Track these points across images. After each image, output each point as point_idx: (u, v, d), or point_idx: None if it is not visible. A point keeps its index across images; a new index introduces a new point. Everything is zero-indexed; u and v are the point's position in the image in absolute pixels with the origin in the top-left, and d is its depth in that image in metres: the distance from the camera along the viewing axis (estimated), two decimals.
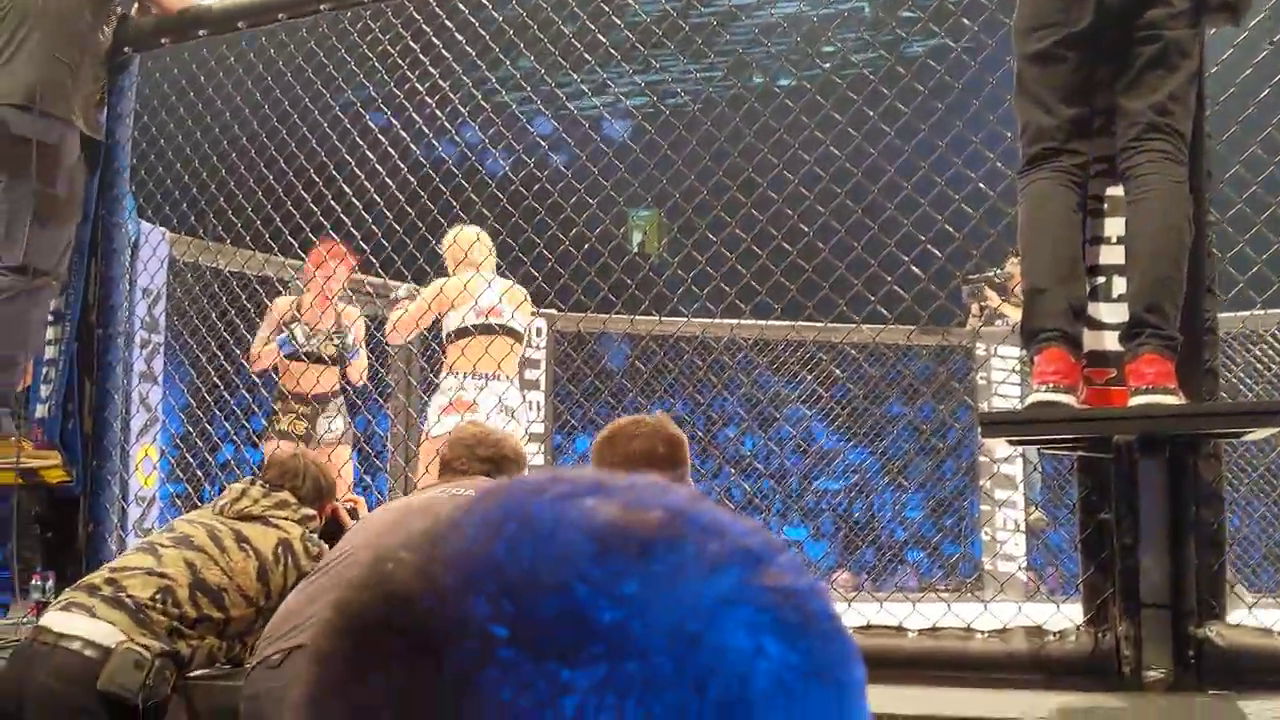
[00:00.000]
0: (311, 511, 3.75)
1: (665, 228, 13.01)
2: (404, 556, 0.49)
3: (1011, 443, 3.98)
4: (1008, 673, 3.20)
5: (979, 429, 3.19)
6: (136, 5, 4.58)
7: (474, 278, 5.33)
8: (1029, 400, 3.02)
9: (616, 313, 6.06)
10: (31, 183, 4.27)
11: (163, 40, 4.53)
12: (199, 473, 5.39)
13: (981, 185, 3.95)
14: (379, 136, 4.98)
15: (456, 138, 5.17)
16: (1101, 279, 3.18)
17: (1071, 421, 2.96)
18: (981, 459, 8.10)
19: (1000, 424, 3.10)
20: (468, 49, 4.70)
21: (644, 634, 0.45)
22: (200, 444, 5.50)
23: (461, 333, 5.55)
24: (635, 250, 16.01)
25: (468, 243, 5.52)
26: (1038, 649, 3.26)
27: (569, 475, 0.52)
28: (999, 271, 7.44)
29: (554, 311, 8.21)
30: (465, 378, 5.47)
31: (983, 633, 3.41)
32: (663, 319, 7.06)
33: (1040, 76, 3.19)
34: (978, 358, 8.25)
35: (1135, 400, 2.93)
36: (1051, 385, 2.97)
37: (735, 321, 7.49)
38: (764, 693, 0.46)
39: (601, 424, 9.63)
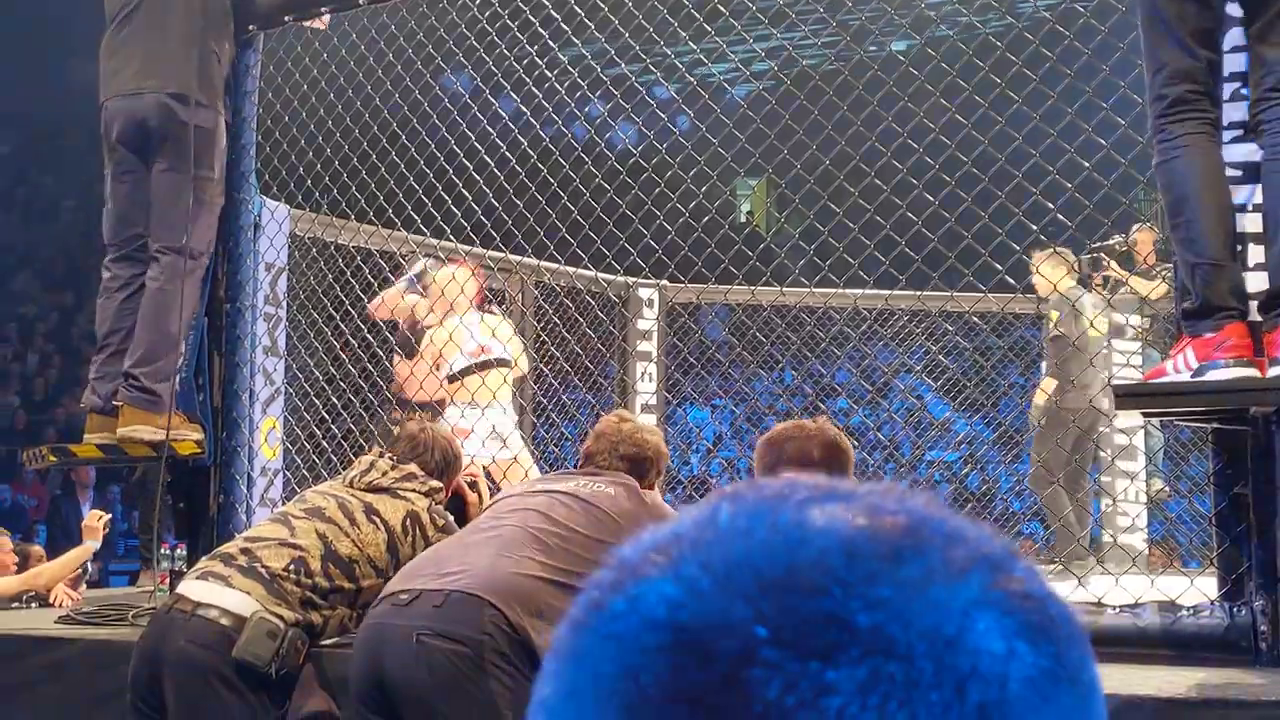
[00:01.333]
0: (438, 484, 3.80)
1: (779, 197, 12.94)
2: (654, 560, 0.51)
3: (1147, 415, 3.87)
4: (1139, 648, 3.14)
5: (1122, 400, 3.11)
6: None
7: (457, 327, 5.62)
8: (1216, 375, 2.90)
9: (734, 283, 6.06)
10: (190, 167, 4.38)
11: (286, 17, 4.59)
12: (325, 444, 5.48)
13: (1113, 153, 3.86)
14: (499, 111, 5.02)
15: (576, 112, 5.19)
16: (1238, 247, 3.08)
17: (1262, 391, 2.86)
18: (1102, 429, 7.94)
19: (1164, 395, 3.02)
20: (586, 21, 4.70)
21: (903, 637, 0.46)
22: (326, 415, 5.61)
23: (457, 376, 5.88)
24: (745, 220, 15.96)
25: (444, 284, 5.82)
26: (1170, 624, 3.21)
27: (806, 483, 0.53)
28: (1121, 239, 7.26)
29: (665, 282, 8.22)
30: (464, 407, 5.74)
31: (1114, 607, 3.36)
32: (784, 289, 7.02)
33: (1180, 14, 3.01)
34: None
35: (1274, 371, 2.85)
36: (1245, 360, 2.88)
37: (857, 292, 7.41)
38: (1019, 695, 0.47)
39: (716, 394, 9.55)
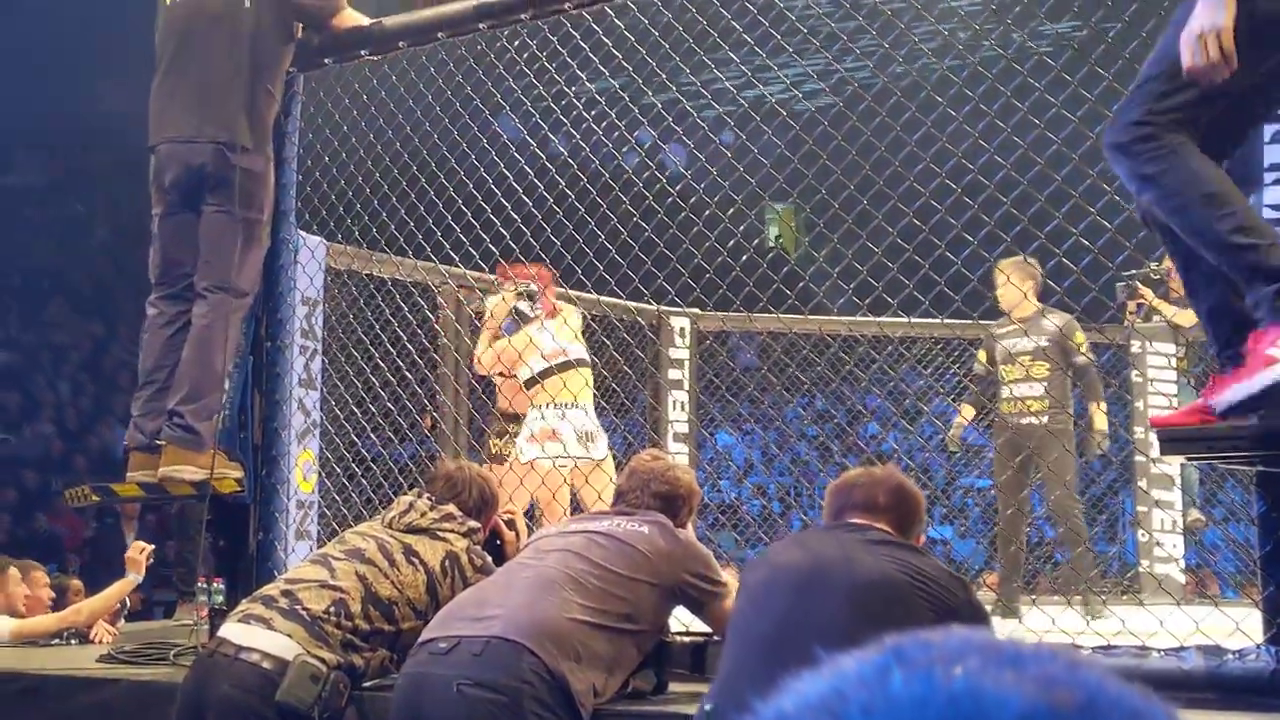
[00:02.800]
0: (476, 524, 3.80)
1: (804, 222, 12.92)
2: None
3: (1191, 459, 3.82)
4: (1184, 692, 3.12)
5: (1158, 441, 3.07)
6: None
7: (539, 332, 5.78)
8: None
9: (759, 310, 6.06)
10: (239, 209, 4.43)
11: (326, 60, 4.63)
12: (362, 478, 5.50)
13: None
14: (528, 141, 5.04)
15: (604, 140, 5.21)
16: None
17: None
18: (1138, 457, 7.90)
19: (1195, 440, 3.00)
20: (614, 52, 4.73)
21: None
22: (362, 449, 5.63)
23: (534, 380, 5.94)
24: (772, 245, 15.94)
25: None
26: (1215, 668, 3.18)
27: (975, 643, 0.52)
28: (1155, 267, 7.22)
29: (696, 310, 8.23)
30: (546, 408, 5.81)
31: (1159, 651, 3.34)
32: (808, 316, 7.03)
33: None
34: (1133, 355, 8.04)
35: None
36: None
37: (879, 319, 7.40)
38: None
39: (746, 420, 9.52)
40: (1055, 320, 6.77)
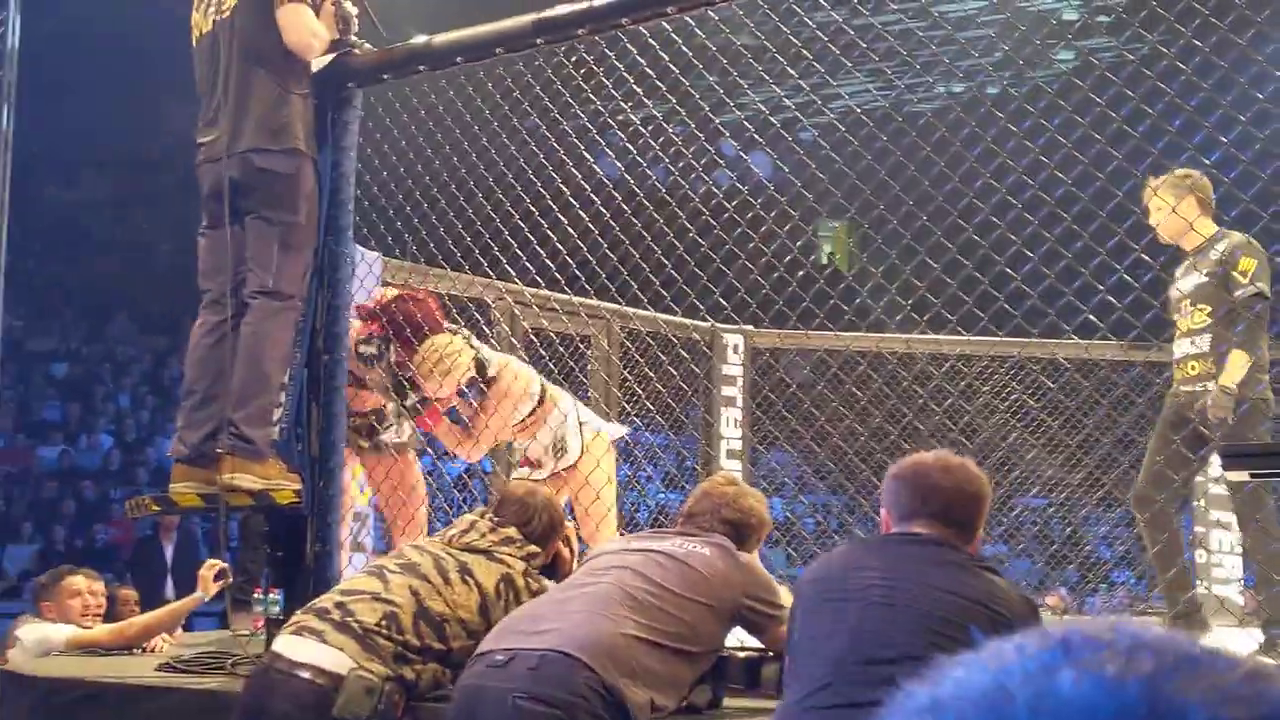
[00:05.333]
0: (537, 549, 3.80)
1: (858, 239, 12.88)
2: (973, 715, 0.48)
3: (1255, 476, 3.71)
4: None
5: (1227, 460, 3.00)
6: None
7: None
8: None
9: (814, 327, 6.04)
10: (272, 213, 4.47)
11: (384, 76, 4.67)
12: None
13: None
14: (585, 154, 5.06)
15: (661, 154, 5.22)
16: None
17: None
18: (1197, 478, 7.78)
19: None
20: (671, 66, 4.74)
21: None
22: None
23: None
24: (826, 262, 15.90)
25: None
26: None
27: (1148, 641, 0.49)
28: None
29: (750, 327, 8.22)
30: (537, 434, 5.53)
31: None
32: (863, 333, 6.99)
33: None
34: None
35: None
36: None
37: (936, 337, 7.37)
38: None
39: (803, 437, 9.53)
40: (1224, 245, 5.19)
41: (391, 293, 5.40)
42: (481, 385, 5.32)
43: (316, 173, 4.61)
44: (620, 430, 5.91)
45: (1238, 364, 5.10)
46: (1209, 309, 5.25)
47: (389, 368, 5.24)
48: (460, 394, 5.37)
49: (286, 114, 4.51)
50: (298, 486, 4.48)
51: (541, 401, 5.46)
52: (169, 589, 8.38)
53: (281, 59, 4.54)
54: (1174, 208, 5.07)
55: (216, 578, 5.68)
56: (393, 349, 5.22)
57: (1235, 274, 5.13)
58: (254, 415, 4.44)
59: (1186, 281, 5.33)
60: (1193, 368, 5.33)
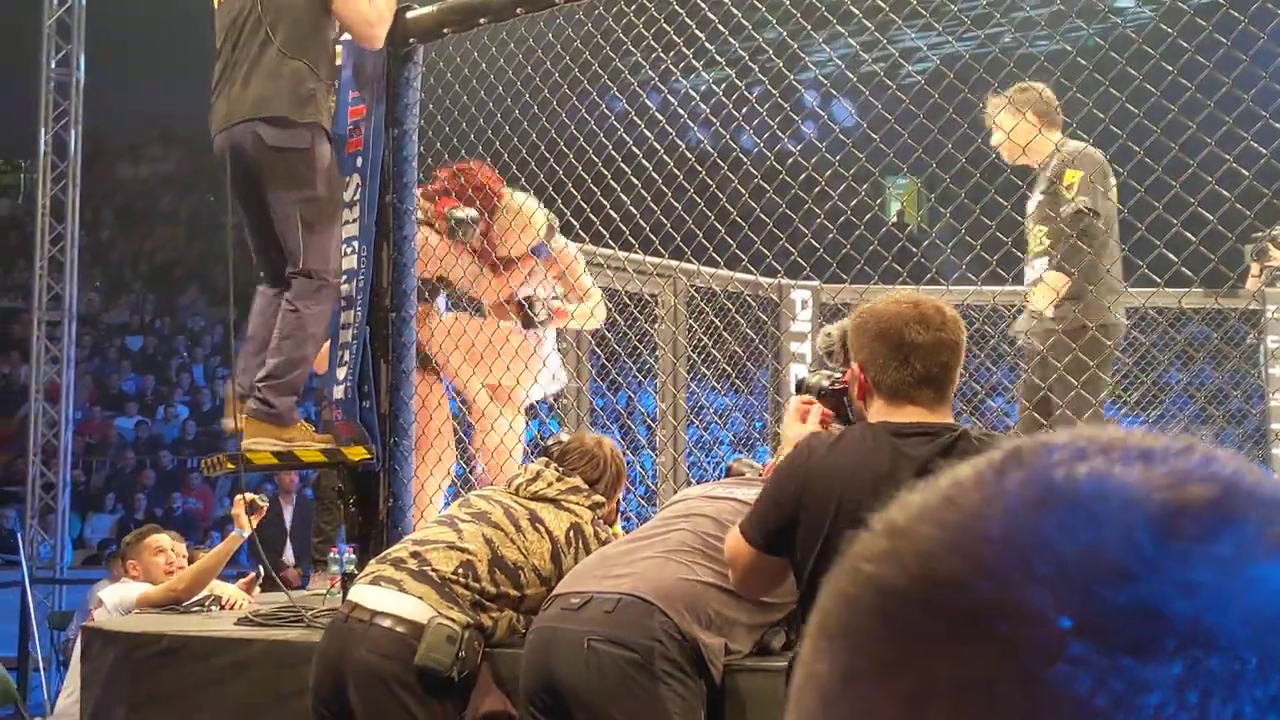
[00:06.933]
0: (602, 499, 3.81)
1: (924, 197, 12.76)
2: (931, 533, 0.46)
3: None
4: None
5: None
6: None
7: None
8: None
9: (875, 283, 5.99)
10: (289, 191, 4.47)
11: (445, 30, 4.66)
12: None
13: (1254, 144, 3.72)
14: (656, 116, 5.04)
15: (735, 113, 5.18)
16: None
17: None
18: (1275, 425, 7.62)
19: None
20: (720, 28, 4.69)
21: (1221, 626, 0.41)
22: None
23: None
24: (893, 220, 15.77)
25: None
26: None
27: (1096, 440, 0.47)
28: None
29: (820, 284, 8.15)
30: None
31: None
32: (919, 288, 6.92)
33: None
34: (1265, 321, 7.74)
35: None
36: None
37: (997, 289, 7.26)
38: None
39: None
40: (1056, 160, 4.83)
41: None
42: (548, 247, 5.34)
43: (336, 142, 4.59)
44: (553, 388, 5.79)
45: (1051, 285, 4.72)
46: (1045, 230, 4.88)
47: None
48: (534, 251, 5.36)
49: (303, 83, 4.46)
50: (326, 446, 4.55)
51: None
52: (288, 553, 8.44)
53: (306, 31, 4.49)
54: (1008, 133, 4.80)
55: (249, 511, 5.69)
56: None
57: (1061, 189, 4.76)
58: (282, 385, 4.52)
59: (1031, 202, 5.00)
60: (1033, 299, 4.96)
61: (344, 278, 4.64)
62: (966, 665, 0.43)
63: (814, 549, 2.72)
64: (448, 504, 4.76)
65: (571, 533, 3.67)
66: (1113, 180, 4.71)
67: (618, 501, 4.09)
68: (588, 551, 3.64)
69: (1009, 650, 0.42)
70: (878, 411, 2.81)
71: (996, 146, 4.93)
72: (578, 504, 3.73)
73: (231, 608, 5.41)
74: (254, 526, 5.75)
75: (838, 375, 3.20)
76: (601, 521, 3.79)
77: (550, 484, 3.76)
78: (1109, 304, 4.59)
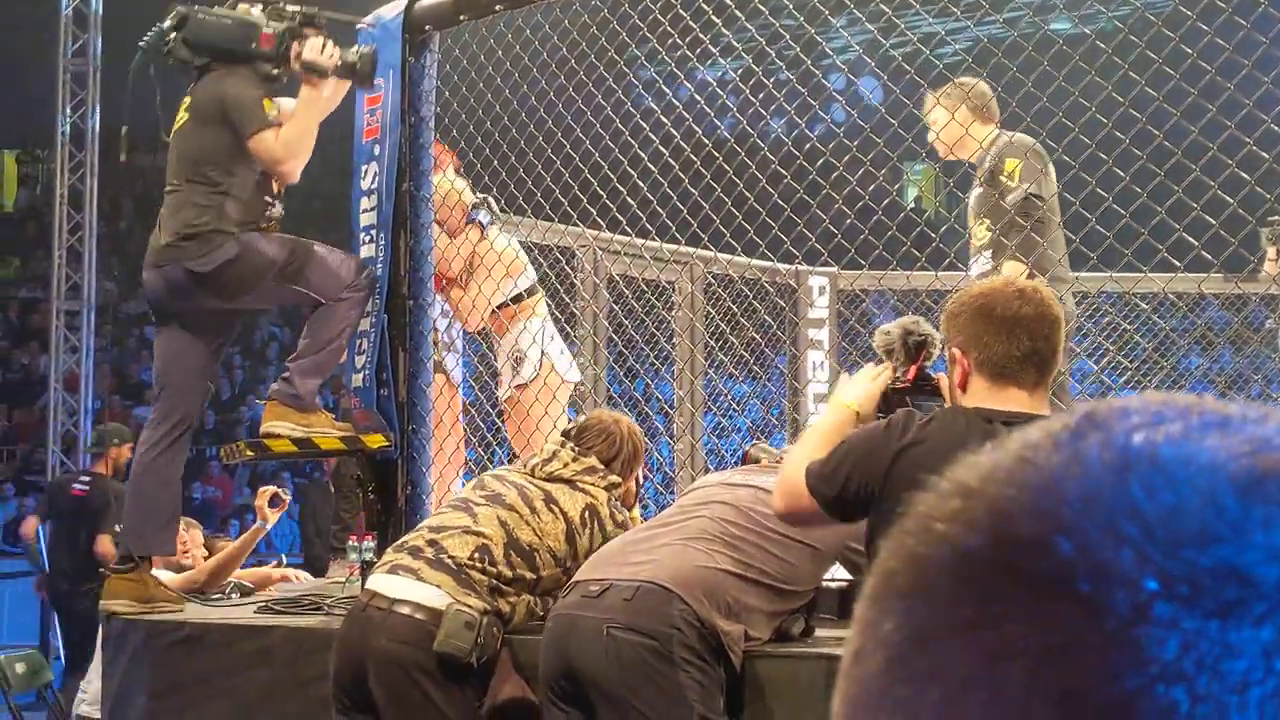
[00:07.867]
0: (618, 479, 3.81)
1: (941, 182, 12.72)
2: (1008, 493, 0.45)
3: None
4: None
5: None
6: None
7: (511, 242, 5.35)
8: None
9: (892, 269, 5.96)
10: (257, 284, 4.48)
11: (461, 17, 4.65)
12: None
13: (1275, 127, 3.70)
14: (673, 102, 5.03)
15: (728, 103, 5.17)
16: None
17: None
18: None
19: None
20: (737, 13, 4.67)
21: None
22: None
23: (523, 295, 5.49)
24: (910, 205, 15.71)
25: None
26: None
27: (1172, 405, 0.47)
28: None
29: (838, 270, 8.13)
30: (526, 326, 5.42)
31: None
32: (939, 274, 6.90)
33: None
34: None
35: None
36: None
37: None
38: None
39: None
40: (994, 151, 4.75)
41: None
42: (480, 222, 5.31)
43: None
44: (577, 374, 5.68)
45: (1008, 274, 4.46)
46: (988, 221, 4.80)
47: None
48: (470, 219, 5.32)
49: (210, 208, 4.40)
50: (345, 433, 4.55)
51: (528, 296, 5.41)
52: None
53: (221, 159, 4.44)
54: (947, 124, 4.76)
55: (271, 504, 5.69)
56: None
57: (1002, 179, 4.65)
58: (309, 369, 4.55)
59: (972, 195, 4.93)
60: None
61: (365, 267, 4.64)
62: (1048, 625, 0.42)
63: (888, 527, 2.71)
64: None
65: (587, 513, 3.67)
66: (1051, 165, 4.65)
67: (637, 483, 4.08)
68: (603, 532, 3.64)
69: (1093, 611, 0.42)
70: (977, 395, 2.71)
71: (930, 143, 4.96)
72: (593, 485, 3.73)
73: (263, 588, 5.44)
74: (275, 519, 5.78)
75: (900, 375, 3.16)
76: (619, 503, 3.78)
77: (566, 464, 3.76)
78: (1060, 294, 4.48)
